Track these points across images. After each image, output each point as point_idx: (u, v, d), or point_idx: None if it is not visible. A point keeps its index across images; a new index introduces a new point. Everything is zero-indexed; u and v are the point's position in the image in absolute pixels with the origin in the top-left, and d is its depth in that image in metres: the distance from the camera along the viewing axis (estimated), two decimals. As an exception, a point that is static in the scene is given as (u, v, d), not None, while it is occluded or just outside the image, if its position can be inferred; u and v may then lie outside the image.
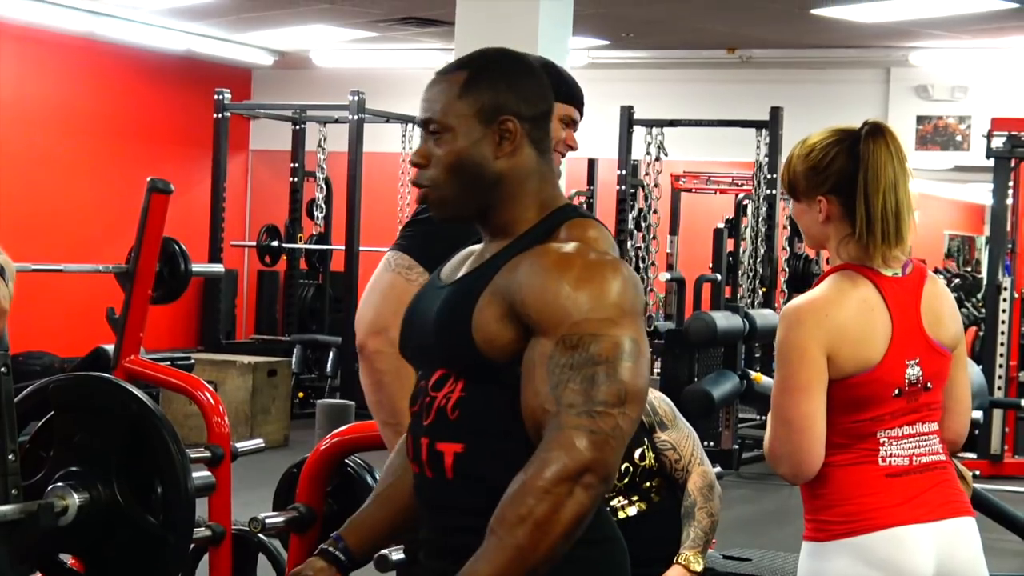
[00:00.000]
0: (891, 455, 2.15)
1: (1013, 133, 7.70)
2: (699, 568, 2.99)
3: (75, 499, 2.59)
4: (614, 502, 3.13)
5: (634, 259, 8.41)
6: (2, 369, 2.20)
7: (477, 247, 1.61)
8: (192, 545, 3.23)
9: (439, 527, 1.54)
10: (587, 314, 1.41)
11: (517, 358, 1.42)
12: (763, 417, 7.31)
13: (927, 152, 10.14)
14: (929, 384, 2.09)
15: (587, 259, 1.47)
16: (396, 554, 1.91)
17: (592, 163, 10.26)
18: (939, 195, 14.64)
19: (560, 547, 1.32)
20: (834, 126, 2.12)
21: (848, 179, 2.03)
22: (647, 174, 8.78)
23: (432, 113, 1.52)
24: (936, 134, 9.99)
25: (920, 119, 10.02)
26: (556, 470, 1.34)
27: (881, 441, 2.12)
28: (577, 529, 1.34)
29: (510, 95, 1.53)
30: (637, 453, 3.03)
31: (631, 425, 1.43)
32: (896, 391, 2.05)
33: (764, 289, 8.77)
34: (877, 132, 2.08)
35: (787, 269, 9.55)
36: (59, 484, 2.62)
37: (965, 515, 2.17)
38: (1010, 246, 7.84)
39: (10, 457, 2.27)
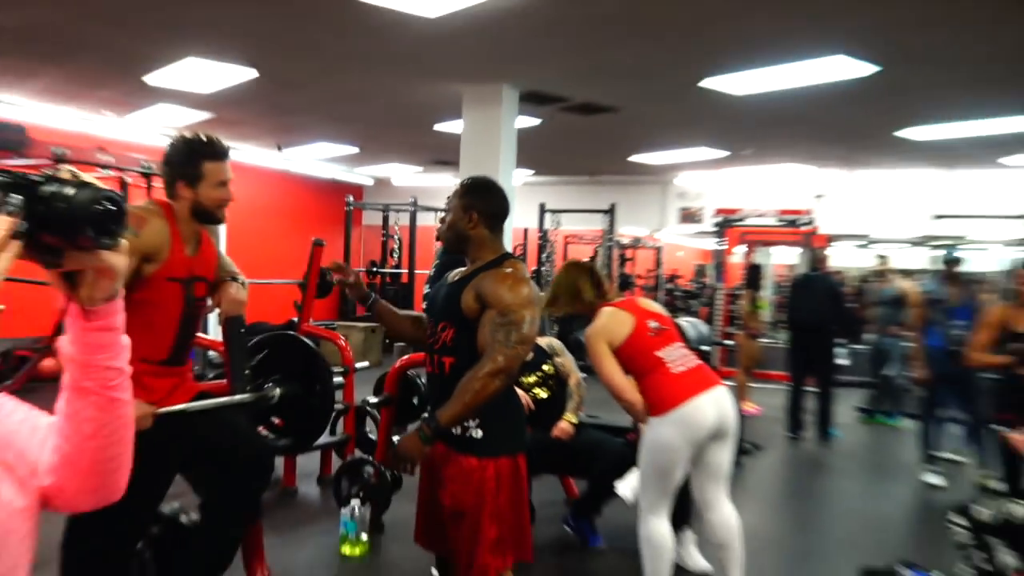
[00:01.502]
0: (671, 363, 3.20)
1: (725, 216, 10.73)
2: (575, 420, 4.22)
3: (277, 391, 3.57)
4: (535, 390, 4.23)
5: (541, 280, 10.72)
6: (243, 330, 2.93)
7: (463, 268, 2.51)
8: (334, 413, 4.63)
9: (443, 401, 2.37)
10: (512, 301, 2.32)
11: (478, 318, 2.35)
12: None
13: (685, 224, 13.20)
14: (663, 327, 3.28)
15: (516, 277, 2.36)
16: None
17: (525, 231, 12.55)
18: (689, 245, 16.86)
19: (487, 401, 2.30)
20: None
21: (567, 291, 3.46)
22: (551, 236, 11.59)
23: (446, 205, 2.49)
24: (689, 215, 13.11)
25: (682, 208, 13.17)
26: (488, 368, 2.30)
27: (661, 358, 3.20)
28: (495, 394, 2.30)
29: (477, 200, 2.46)
30: (545, 366, 4.30)
31: (526, 353, 2.38)
32: (650, 333, 3.23)
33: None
34: (570, 265, 3.56)
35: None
36: (270, 384, 3.62)
37: (721, 384, 3.21)
38: (720, 267, 10.51)
39: (247, 372, 3.09)
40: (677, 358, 3.17)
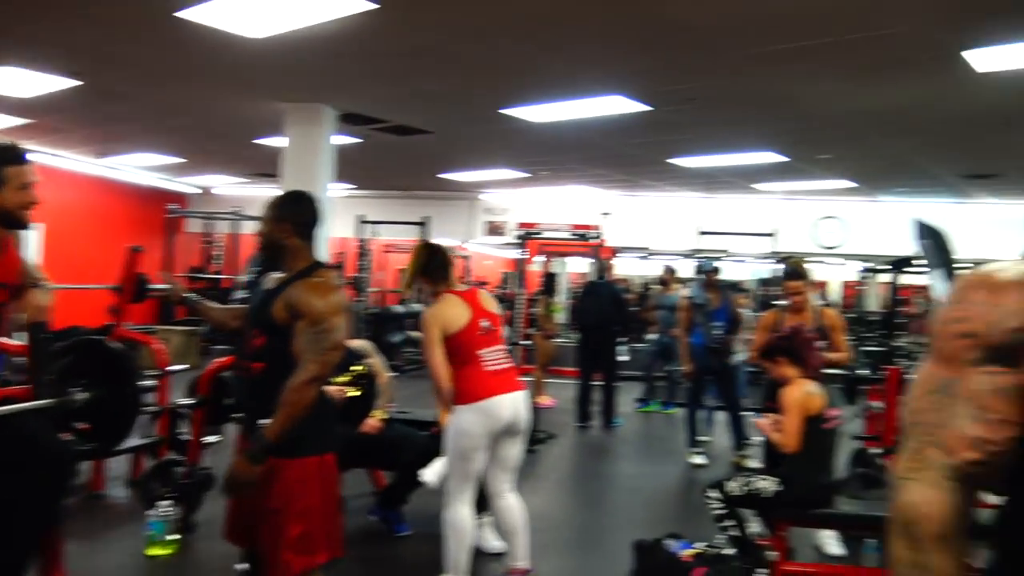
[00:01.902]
0: (487, 361, 3.24)
1: (526, 230, 9.52)
2: (384, 416, 4.23)
3: (82, 395, 3.22)
4: (347, 390, 4.06)
5: (359, 285, 10.80)
6: (46, 335, 2.74)
7: (279, 274, 2.42)
8: (148, 416, 4.40)
9: (252, 404, 2.36)
10: (322, 310, 2.26)
11: (288, 326, 2.28)
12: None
13: (492, 236, 13.34)
14: (492, 328, 3.28)
15: (325, 286, 2.32)
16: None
17: (345, 241, 12.13)
18: (496, 255, 16.90)
19: (305, 409, 2.25)
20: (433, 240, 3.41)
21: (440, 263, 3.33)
22: (369, 246, 11.56)
23: (262, 217, 2.45)
24: (495, 228, 13.22)
25: (489, 222, 13.32)
26: (303, 378, 2.24)
27: (481, 356, 3.23)
28: (311, 403, 2.26)
29: (290, 212, 2.43)
30: (356, 367, 4.22)
31: (337, 358, 2.33)
32: (479, 332, 3.23)
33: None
34: (422, 246, 3.44)
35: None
36: (74, 388, 3.25)
37: (521, 389, 3.31)
38: (522, 275, 9.42)
39: (50, 377, 2.85)
40: (494, 358, 3.24)
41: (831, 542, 4.28)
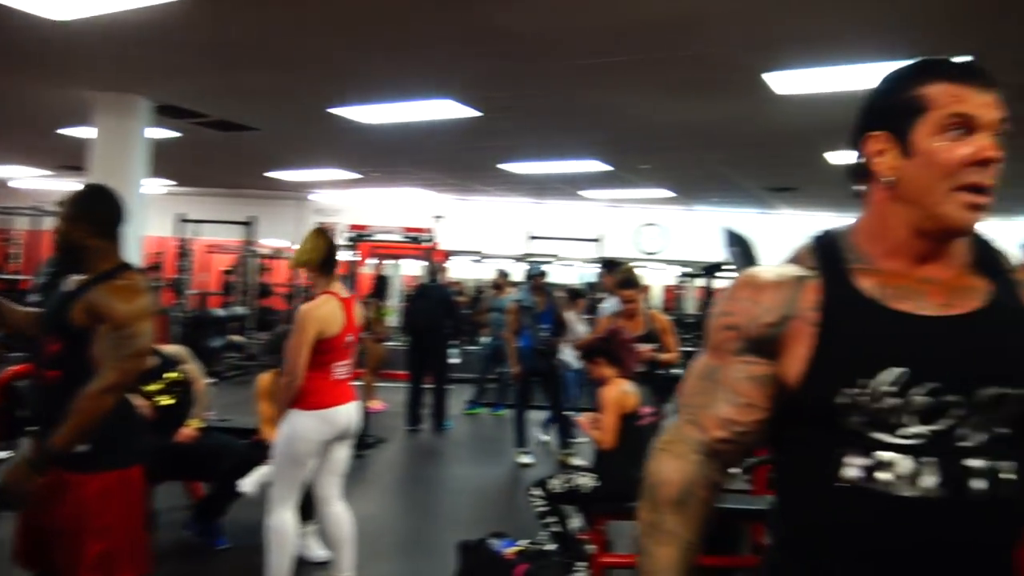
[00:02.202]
0: (337, 371, 3.22)
1: (357, 232, 10.04)
2: (200, 424, 4.03)
3: None
4: (158, 397, 3.95)
5: (178, 287, 10.47)
6: None
7: (79, 276, 2.27)
8: None
9: (47, 416, 2.15)
10: (125, 314, 2.14)
11: (88, 331, 2.13)
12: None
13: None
14: (353, 342, 3.26)
15: (129, 289, 2.20)
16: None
17: (163, 241, 11.60)
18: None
19: (101, 417, 2.10)
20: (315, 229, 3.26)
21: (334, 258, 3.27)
22: (190, 246, 11.05)
23: (58, 214, 2.24)
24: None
25: (318, 223, 12.50)
26: (100, 385, 2.11)
27: (334, 366, 3.19)
28: (108, 409, 2.11)
29: (89, 210, 2.27)
30: (171, 373, 4.04)
31: (140, 366, 2.19)
32: (344, 344, 3.20)
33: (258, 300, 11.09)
34: (318, 232, 3.31)
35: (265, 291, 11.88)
36: None
37: (356, 400, 3.32)
38: (353, 277, 10.21)
39: None
40: (343, 369, 3.23)
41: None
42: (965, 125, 1.08)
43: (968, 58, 3.28)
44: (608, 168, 8.97)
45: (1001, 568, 1.11)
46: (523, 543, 3.85)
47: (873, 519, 1.07)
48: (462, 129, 6.99)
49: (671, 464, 1.21)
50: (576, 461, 5.97)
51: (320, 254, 3.22)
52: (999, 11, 3.98)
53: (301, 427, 3.12)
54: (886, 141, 1.12)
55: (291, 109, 6.82)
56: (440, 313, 7.74)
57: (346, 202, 13.02)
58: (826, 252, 1.18)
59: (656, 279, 16.08)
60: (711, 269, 8.65)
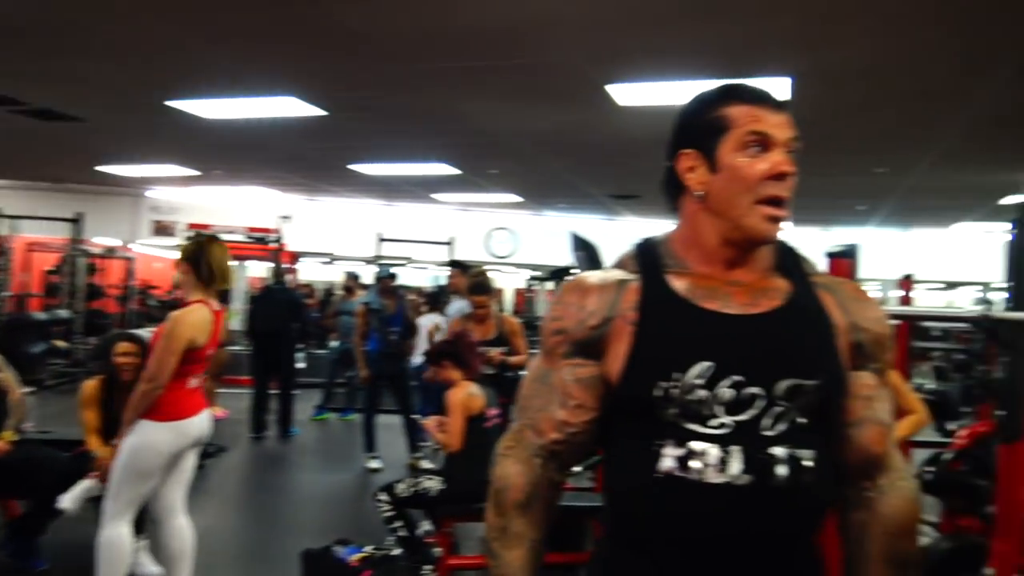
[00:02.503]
0: (192, 382, 3.10)
1: (197, 231, 9.40)
2: (14, 438, 3.84)
3: None
4: None
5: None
6: None
7: None
8: None
9: None
10: None
11: None
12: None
13: (159, 237, 12.71)
14: (211, 355, 3.19)
15: None
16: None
17: None
18: (165, 257, 14.69)
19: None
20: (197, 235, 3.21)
21: (199, 258, 3.09)
22: (7, 243, 10.17)
23: None
24: (163, 228, 12.57)
25: (155, 221, 12.61)
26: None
27: (191, 378, 3.12)
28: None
29: None
30: None
31: None
32: (206, 356, 3.15)
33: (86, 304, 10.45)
34: (214, 239, 3.21)
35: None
36: None
37: (207, 408, 3.25)
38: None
39: None
40: (197, 380, 3.15)
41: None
42: (762, 143, 1.17)
43: (785, 79, 3.51)
44: (457, 172, 9.01)
45: (805, 554, 1.20)
46: (369, 549, 3.82)
47: (687, 507, 1.14)
48: (309, 128, 6.83)
49: (514, 468, 1.25)
50: (425, 464, 5.95)
51: (207, 261, 3.12)
52: (820, 39, 4.31)
53: (153, 439, 3.00)
54: (696, 158, 1.21)
55: (123, 100, 6.42)
56: (286, 316, 7.55)
57: (186, 200, 12.47)
58: (646, 257, 1.27)
59: (507, 283, 16.41)
60: (559, 273, 8.86)
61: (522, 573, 1.23)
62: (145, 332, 5.99)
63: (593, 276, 1.26)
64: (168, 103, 6.31)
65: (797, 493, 1.14)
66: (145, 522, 3.63)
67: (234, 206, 12.39)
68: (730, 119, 1.18)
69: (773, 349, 1.16)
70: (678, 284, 1.21)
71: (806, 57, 4.62)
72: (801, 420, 1.15)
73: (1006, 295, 2.39)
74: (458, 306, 5.98)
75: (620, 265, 1.28)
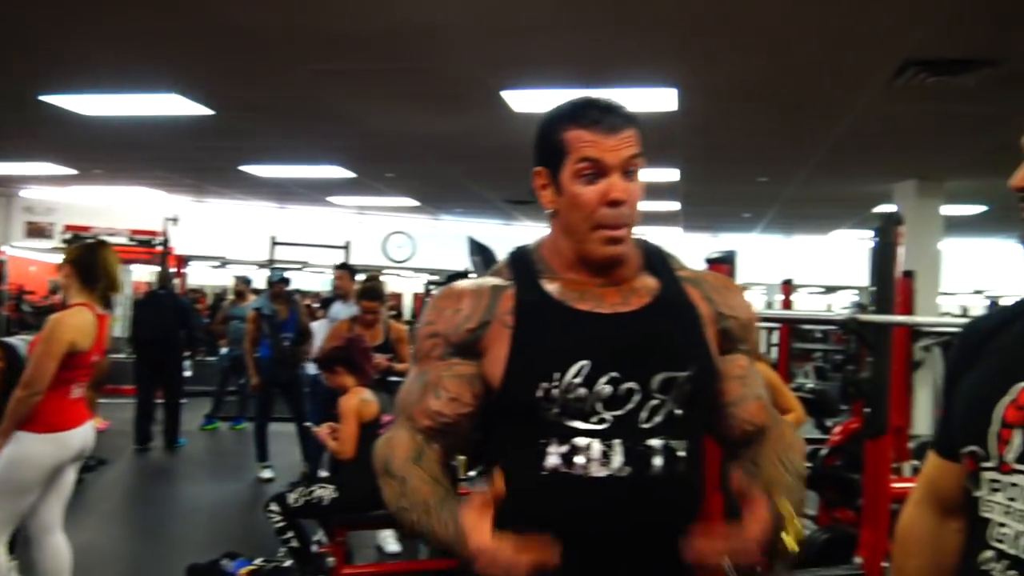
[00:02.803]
0: (74, 390, 2.94)
1: (75, 233, 10.08)
2: None
3: None
4: None
5: None
6: None
7: None
8: None
9: None
10: None
11: None
12: None
13: (33, 239, 12.08)
14: (97, 362, 3.08)
15: None
16: None
17: None
18: (41, 260, 14.47)
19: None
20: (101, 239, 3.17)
21: (89, 266, 2.99)
22: None
23: None
24: (38, 230, 11.90)
25: (29, 222, 11.95)
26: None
27: (74, 385, 2.94)
28: None
29: None
30: None
31: None
32: (90, 363, 2.99)
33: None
34: (104, 243, 3.16)
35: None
36: None
37: (91, 419, 3.13)
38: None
39: None
40: (81, 389, 3.00)
41: (390, 540, 4.54)
42: (595, 169, 1.20)
43: (671, 90, 3.59)
44: (352, 175, 8.90)
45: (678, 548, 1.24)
46: (258, 562, 3.74)
47: (575, 502, 1.18)
48: (195, 127, 6.59)
49: (396, 434, 1.28)
50: (319, 473, 5.83)
51: (100, 265, 3.01)
52: (701, 52, 4.47)
53: (32, 452, 2.84)
54: (546, 176, 1.25)
55: (-9, 94, 6.05)
56: (172, 322, 7.30)
57: (63, 200, 11.84)
58: (519, 264, 1.31)
59: (405, 287, 16.33)
60: (456, 277, 8.83)
61: (443, 506, 1.21)
62: (18, 340, 5.66)
63: (466, 283, 1.30)
64: (42, 98, 5.98)
65: (672, 482, 1.19)
66: (17, 541, 3.43)
67: (116, 207, 11.87)
68: (568, 144, 1.21)
69: (646, 345, 1.22)
70: (551, 288, 1.25)
71: (690, 69, 4.79)
72: (676, 411, 1.21)
73: (870, 299, 2.54)
74: (339, 309, 5.88)
75: (496, 273, 1.31)
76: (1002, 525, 1.02)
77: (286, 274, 6.64)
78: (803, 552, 3.36)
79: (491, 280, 1.29)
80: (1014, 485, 1.01)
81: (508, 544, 1.11)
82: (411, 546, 4.46)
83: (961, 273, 12.02)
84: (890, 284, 2.48)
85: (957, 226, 9.98)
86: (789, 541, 1.15)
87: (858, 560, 2.51)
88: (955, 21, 3.83)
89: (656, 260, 1.32)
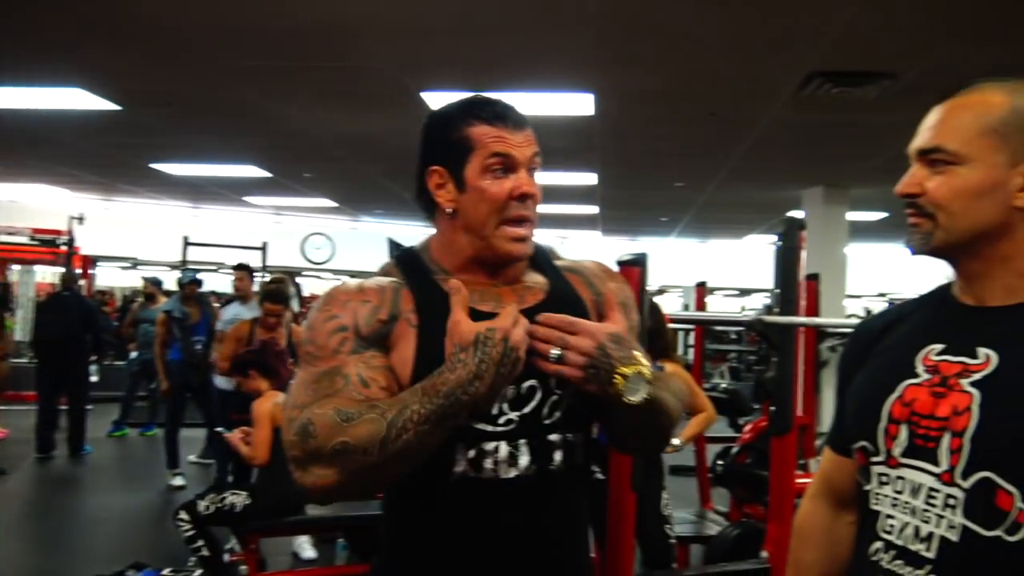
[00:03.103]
0: None
1: None
2: None
3: None
4: None
5: None
6: None
7: None
8: None
9: None
10: None
11: None
12: None
13: None
14: None
15: None
16: None
17: None
18: None
19: None
20: None
21: None
22: None
23: None
24: None
25: None
26: None
27: None
28: None
29: None
30: None
31: None
32: None
33: None
34: None
35: None
36: None
37: None
38: None
39: None
40: None
41: (306, 547, 4.47)
42: (504, 164, 1.20)
43: (588, 95, 3.65)
44: (268, 175, 8.72)
45: (583, 540, 1.29)
46: (167, 572, 3.63)
47: (484, 505, 1.17)
48: (102, 122, 6.34)
49: (326, 407, 1.12)
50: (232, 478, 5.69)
51: None
52: (617, 59, 4.54)
53: None
54: (444, 175, 1.22)
55: None
56: (77, 325, 7.01)
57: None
58: (409, 265, 1.27)
59: (324, 289, 16.10)
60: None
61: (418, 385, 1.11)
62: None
63: (363, 280, 1.24)
64: (-68, 90, 5.67)
65: (571, 474, 1.21)
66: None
67: (16, 206, 11.37)
68: (474, 140, 1.20)
69: (543, 340, 1.19)
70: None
71: (607, 75, 4.86)
72: (573, 404, 1.21)
73: (775, 301, 2.63)
74: (236, 310, 5.72)
75: (384, 273, 1.27)
76: (890, 517, 1.07)
77: (200, 276, 6.44)
78: (714, 548, 3.44)
79: (387, 279, 1.25)
80: (900, 478, 1.06)
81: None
82: (327, 551, 4.40)
83: (866, 276, 12.52)
84: (793, 286, 2.56)
85: (862, 231, 10.43)
86: (620, 381, 1.11)
87: (765, 554, 2.58)
88: (856, 35, 4.00)
89: (540, 256, 1.32)
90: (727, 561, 3.38)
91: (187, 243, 9.81)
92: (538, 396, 1.19)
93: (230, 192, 10.41)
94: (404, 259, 1.29)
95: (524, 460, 1.17)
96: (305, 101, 5.77)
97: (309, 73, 5.03)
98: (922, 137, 1.08)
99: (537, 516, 1.19)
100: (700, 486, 4.54)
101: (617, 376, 1.11)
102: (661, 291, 12.79)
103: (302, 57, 4.67)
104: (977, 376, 1.01)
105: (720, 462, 4.79)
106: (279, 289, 4.93)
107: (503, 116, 1.21)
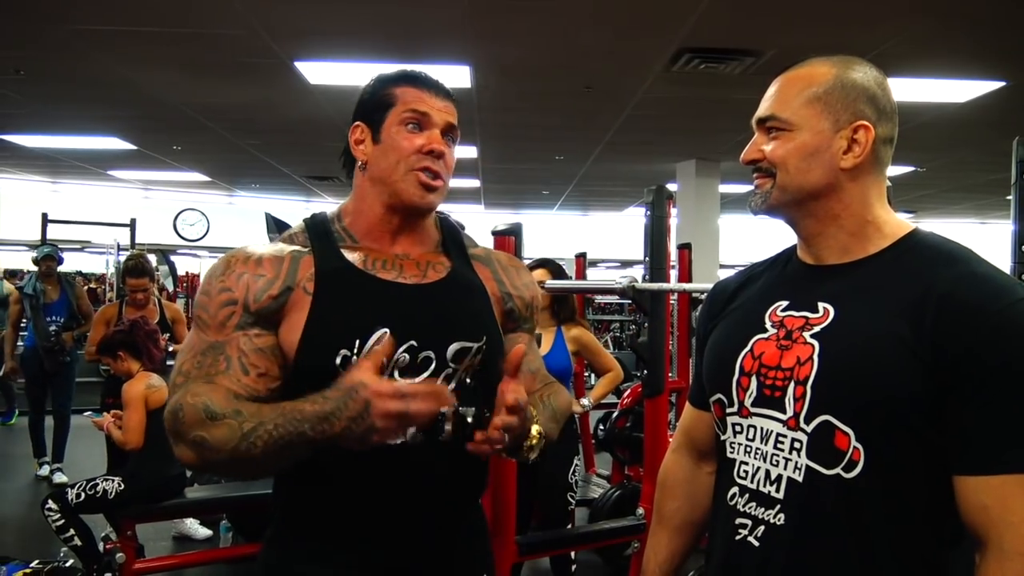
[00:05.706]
0: None
1: None
2: None
3: None
4: None
5: None
6: None
7: None
8: None
9: None
10: None
11: None
12: None
13: None
14: None
15: None
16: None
17: None
18: None
19: None
20: None
21: None
22: None
23: None
24: None
25: None
26: None
27: None
28: None
29: None
30: None
31: None
32: None
33: None
34: None
35: None
36: None
37: None
38: None
39: None
40: None
41: (197, 527, 4.37)
42: (420, 121, 1.28)
43: (463, 67, 3.66)
44: (133, 147, 8.29)
45: (475, 512, 1.35)
46: (35, 564, 3.47)
47: (371, 472, 1.19)
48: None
49: (201, 389, 1.13)
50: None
51: None
52: (490, 31, 4.54)
53: None
54: (364, 131, 1.30)
55: None
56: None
57: None
58: (317, 231, 1.30)
59: (199, 267, 15.47)
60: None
61: (298, 402, 1.09)
62: None
63: (262, 247, 1.26)
64: None
65: (462, 448, 1.21)
66: None
67: None
68: (396, 97, 1.28)
69: (442, 315, 1.26)
70: (352, 257, 1.27)
71: (481, 47, 4.87)
72: (467, 381, 1.26)
73: (646, 268, 2.73)
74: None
75: (290, 240, 1.30)
76: (744, 463, 1.15)
77: (58, 252, 6.04)
78: (597, 510, 3.54)
79: (288, 246, 1.27)
80: (752, 427, 1.15)
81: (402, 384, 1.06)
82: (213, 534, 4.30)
83: (739, 246, 13.08)
84: (663, 253, 2.67)
85: (735, 203, 10.89)
86: (521, 455, 1.22)
87: (640, 511, 2.70)
88: (719, 13, 4.16)
89: (451, 239, 1.38)
90: (607, 519, 3.52)
91: (46, 220, 9.22)
92: (432, 368, 1.22)
93: (92, 165, 9.84)
94: (313, 225, 1.31)
95: (411, 428, 1.17)
96: (170, 70, 5.51)
97: (173, 40, 4.81)
98: (760, 108, 1.18)
99: (425, 485, 1.23)
100: (584, 451, 4.67)
101: (519, 453, 1.22)
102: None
103: (164, 23, 4.46)
104: (817, 329, 1.10)
105: (602, 427, 4.94)
106: (138, 263, 4.70)
107: (428, 83, 1.30)
